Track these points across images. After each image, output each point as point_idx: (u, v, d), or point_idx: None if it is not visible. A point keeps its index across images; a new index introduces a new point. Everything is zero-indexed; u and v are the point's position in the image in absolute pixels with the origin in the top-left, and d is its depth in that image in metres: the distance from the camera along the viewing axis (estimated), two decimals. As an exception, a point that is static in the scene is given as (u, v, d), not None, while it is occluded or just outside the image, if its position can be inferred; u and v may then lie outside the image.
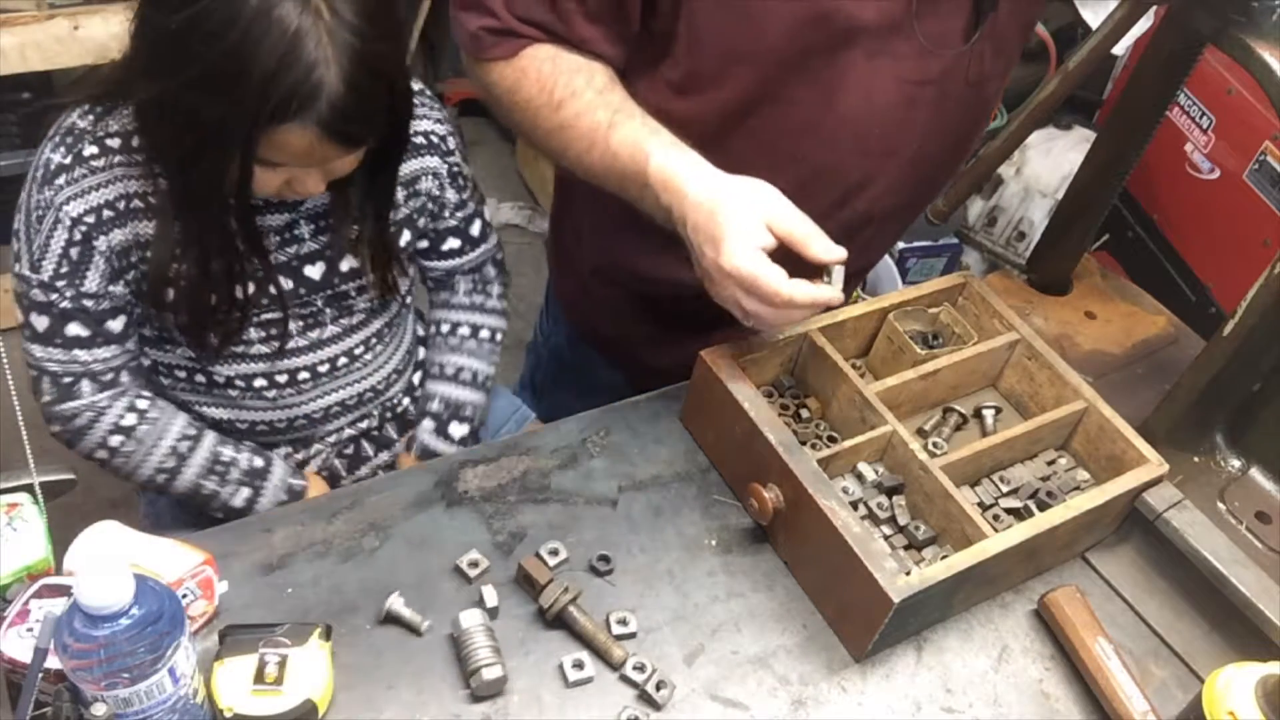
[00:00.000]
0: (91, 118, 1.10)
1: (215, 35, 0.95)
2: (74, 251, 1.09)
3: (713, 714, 0.95)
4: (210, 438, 1.24)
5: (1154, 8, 1.08)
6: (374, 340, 1.32)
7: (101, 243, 1.09)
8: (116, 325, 1.16)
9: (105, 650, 0.72)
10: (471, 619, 0.94)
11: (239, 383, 1.24)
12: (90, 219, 1.08)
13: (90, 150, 1.08)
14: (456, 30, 1.15)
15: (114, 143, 1.09)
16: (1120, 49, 1.77)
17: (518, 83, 1.12)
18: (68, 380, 1.15)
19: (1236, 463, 1.17)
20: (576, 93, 1.09)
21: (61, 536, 0.90)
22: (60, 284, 1.10)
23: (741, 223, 0.99)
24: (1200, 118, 2.12)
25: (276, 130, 0.99)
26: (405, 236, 1.27)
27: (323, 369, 1.28)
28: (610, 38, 1.12)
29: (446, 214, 1.31)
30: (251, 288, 1.16)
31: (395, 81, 1.08)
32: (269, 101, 0.96)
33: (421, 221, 1.29)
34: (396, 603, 0.96)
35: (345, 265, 1.22)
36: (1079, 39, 2.40)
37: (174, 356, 1.23)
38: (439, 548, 1.03)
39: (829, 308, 1.03)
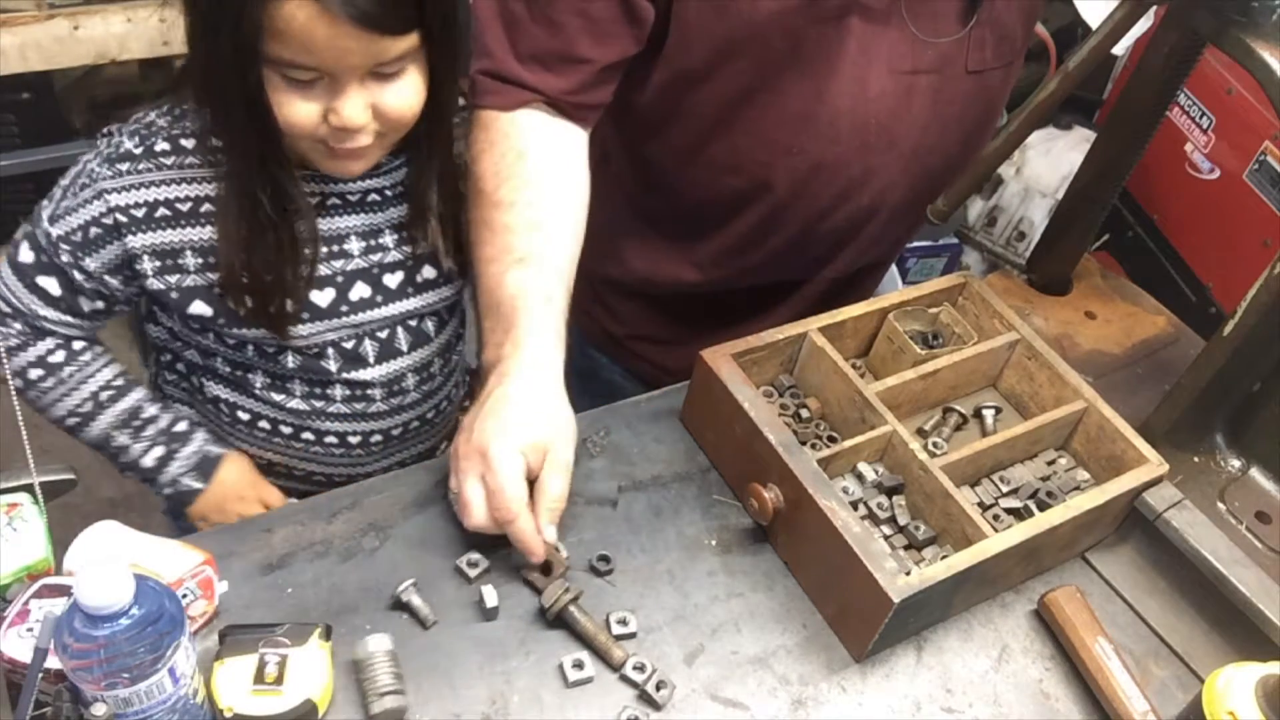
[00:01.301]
0: (169, 117, 1.09)
1: None
2: (94, 231, 1.07)
3: (713, 714, 0.95)
4: (137, 392, 1.21)
5: (1154, 8, 1.08)
6: (444, 403, 1.32)
7: (135, 239, 1.07)
8: (86, 305, 1.14)
9: (105, 650, 0.72)
10: (374, 645, 0.91)
11: (307, 435, 1.24)
12: (138, 212, 1.06)
13: (162, 146, 1.07)
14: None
15: (188, 143, 1.07)
16: (1120, 49, 1.77)
17: (483, 152, 1.10)
18: (7, 312, 1.14)
19: (1236, 463, 1.17)
20: (516, 206, 1.06)
21: (61, 536, 0.89)
22: (64, 246, 1.09)
23: (543, 436, 0.96)
24: (1200, 118, 2.12)
25: (275, 7, 0.92)
26: None
27: (395, 433, 1.27)
28: (614, 55, 1.10)
29: None
30: (307, 246, 1.12)
31: None
32: None
33: None
34: (409, 591, 0.96)
35: (420, 276, 1.19)
36: (1079, 39, 2.41)
37: (247, 400, 1.22)
38: (439, 548, 1.03)
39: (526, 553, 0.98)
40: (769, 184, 1.21)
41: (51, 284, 1.12)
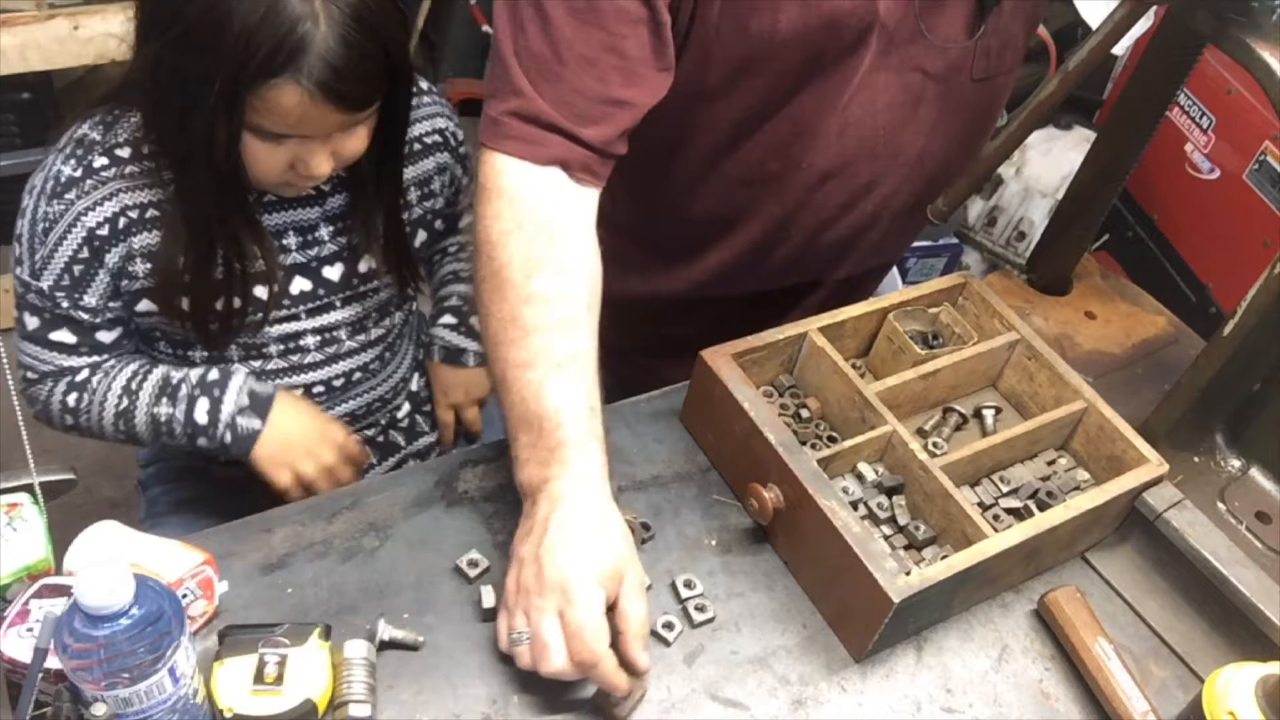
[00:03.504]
0: (101, 128, 1.11)
1: None
2: (77, 268, 1.10)
3: (713, 714, 0.95)
4: (161, 368, 1.21)
5: (1154, 8, 1.08)
6: (386, 352, 1.32)
7: (112, 255, 1.10)
8: (107, 337, 1.17)
9: (105, 650, 0.72)
10: (350, 651, 0.90)
11: None
12: (104, 230, 1.09)
13: (100, 161, 1.09)
14: (482, 118, 1.04)
15: (123, 152, 1.10)
16: (1120, 49, 1.76)
17: (508, 233, 0.98)
18: (34, 377, 1.18)
19: (1236, 463, 1.17)
20: (551, 302, 0.98)
21: (61, 536, 0.90)
22: (59, 295, 1.11)
23: (620, 559, 0.90)
24: (1200, 118, 2.12)
25: (266, 89, 0.98)
26: (420, 237, 1.27)
27: (338, 384, 1.28)
28: (646, 98, 1.04)
29: (463, 198, 1.31)
30: (261, 290, 1.15)
31: (390, 39, 1.05)
32: (252, 56, 0.96)
33: (438, 221, 1.28)
34: (385, 630, 0.94)
35: (363, 266, 1.22)
36: (1079, 39, 2.40)
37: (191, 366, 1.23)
38: (439, 548, 1.03)
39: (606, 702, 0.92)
40: (777, 196, 1.21)
41: (64, 335, 1.14)
